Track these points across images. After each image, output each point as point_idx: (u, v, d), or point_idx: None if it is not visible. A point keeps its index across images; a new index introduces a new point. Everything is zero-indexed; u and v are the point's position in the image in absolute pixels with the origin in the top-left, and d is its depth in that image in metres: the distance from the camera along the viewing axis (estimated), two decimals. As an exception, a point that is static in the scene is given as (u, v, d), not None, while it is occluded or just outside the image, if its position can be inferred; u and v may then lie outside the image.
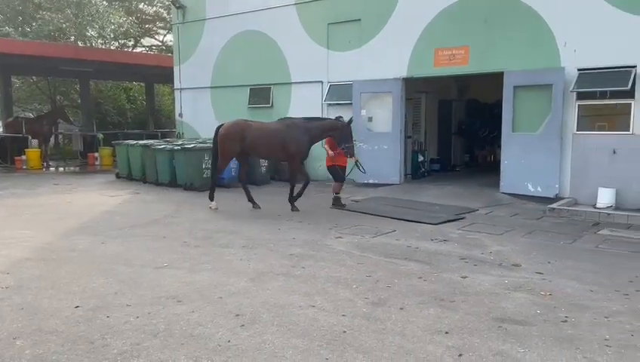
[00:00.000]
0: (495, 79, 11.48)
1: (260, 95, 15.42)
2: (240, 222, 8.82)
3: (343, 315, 4.64)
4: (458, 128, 16.67)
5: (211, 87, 16.61)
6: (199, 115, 17.02)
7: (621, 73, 9.76)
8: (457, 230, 8.35)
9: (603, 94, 10.07)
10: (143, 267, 6.17)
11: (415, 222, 8.90)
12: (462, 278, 5.74)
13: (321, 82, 14.02)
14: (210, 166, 12.44)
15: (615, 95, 9.90)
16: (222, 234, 7.87)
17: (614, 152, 9.93)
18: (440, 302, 4.99)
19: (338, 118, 10.25)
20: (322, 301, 5.01)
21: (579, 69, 10.17)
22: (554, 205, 9.82)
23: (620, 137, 9.94)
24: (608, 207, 9.63)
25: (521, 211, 9.94)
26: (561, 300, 5.03)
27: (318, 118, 11.38)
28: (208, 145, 12.96)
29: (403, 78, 12.59)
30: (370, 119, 13.24)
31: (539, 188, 10.75)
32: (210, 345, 4.06)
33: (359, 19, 13.16)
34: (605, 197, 9.75)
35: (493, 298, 5.09)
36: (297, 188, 9.92)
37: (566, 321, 4.49)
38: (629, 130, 9.83)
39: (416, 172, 14.19)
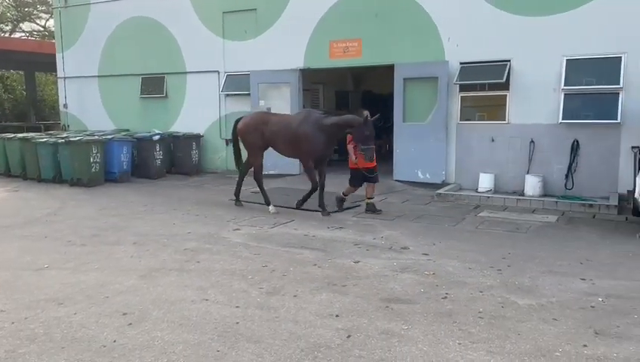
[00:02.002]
0: (388, 71, 11.95)
1: (153, 85, 14.79)
2: (131, 218, 8.44)
3: (237, 306, 4.63)
4: (354, 119, 17.11)
5: (99, 76, 15.65)
6: (86, 105, 15.98)
7: (498, 67, 10.58)
8: (353, 217, 8.63)
9: (482, 86, 10.86)
10: (21, 270, 5.71)
11: (313, 210, 9.05)
12: (354, 263, 5.95)
13: (218, 72, 13.74)
14: (98, 160, 11.79)
15: (493, 87, 10.72)
16: (111, 231, 7.49)
17: (493, 140, 10.78)
18: (332, 287, 5.14)
19: (360, 110, 8.81)
20: (216, 294, 4.95)
21: (461, 63, 10.88)
22: (441, 191, 10.47)
23: (497, 126, 10.79)
24: (488, 191, 10.44)
25: (411, 197, 10.48)
26: (443, 278, 5.39)
27: (335, 111, 9.93)
28: (97, 137, 12.26)
29: (300, 69, 12.71)
30: (269, 110, 13.20)
31: (428, 175, 11.39)
32: (94, 346, 3.86)
33: (255, 9, 13.05)
34: (485, 182, 10.56)
35: (382, 280, 5.34)
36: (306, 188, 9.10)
37: (446, 297, 4.83)
38: (505, 120, 10.69)
39: (315, 162, 14.38)
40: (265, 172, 12.77)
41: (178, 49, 14.24)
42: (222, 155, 14.10)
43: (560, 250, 6.59)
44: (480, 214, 8.91)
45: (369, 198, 9.00)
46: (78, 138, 11.94)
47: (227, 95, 13.74)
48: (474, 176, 10.81)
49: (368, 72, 15.86)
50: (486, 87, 10.81)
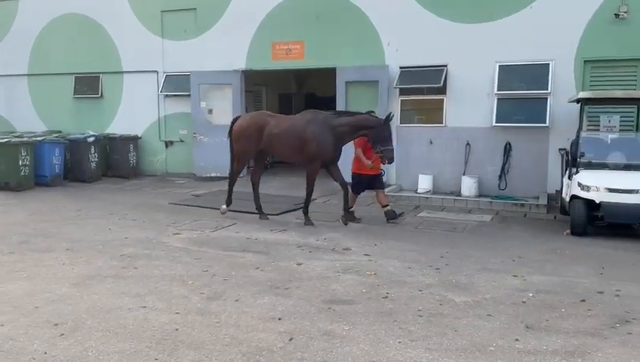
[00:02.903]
0: (331, 74, 12.04)
1: (87, 84, 14.19)
2: (64, 224, 8.05)
3: (177, 313, 4.51)
4: (298, 121, 17.15)
5: (28, 75, 14.83)
6: (14, 105, 15.09)
7: (435, 72, 10.91)
8: (296, 219, 8.62)
9: (421, 90, 11.16)
10: (-61, 281, 5.31)
11: (256, 213, 8.97)
12: (297, 265, 5.94)
13: (157, 72, 13.38)
14: (28, 163, 11.18)
15: (431, 91, 11.03)
16: (41, 238, 7.11)
17: (431, 143, 11.10)
18: (275, 290, 5.11)
19: (370, 113, 8.33)
20: (154, 300, 4.81)
21: (401, 67, 11.15)
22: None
23: (435, 129, 11.12)
24: (427, 191, 10.74)
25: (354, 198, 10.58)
26: (384, 278, 5.49)
27: (348, 112, 9.24)
28: (26, 139, 11.62)
29: (242, 71, 12.59)
30: (210, 111, 13.02)
31: (370, 177, 11.55)
32: (22, 359, 3.65)
33: (195, 8, 12.82)
34: (424, 183, 10.85)
35: (324, 281, 5.36)
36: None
37: (387, 297, 4.91)
38: (442, 123, 11.04)
39: (258, 164, 14.28)
40: (206, 174, 12.68)
41: (114, 47, 13.74)
42: (161, 158, 13.74)
43: (494, 248, 6.87)
44: (419, 214, 9.15)
45: (385, 206, 8.38)
46: (5, 140, 11.25)
47: (167, 96, 13.40)
48: (414, 177, 11.08)
49: (311, 75, 15.90)
50: (424, 91, 11.12)
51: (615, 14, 9.41)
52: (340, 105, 11.72)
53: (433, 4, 10.80)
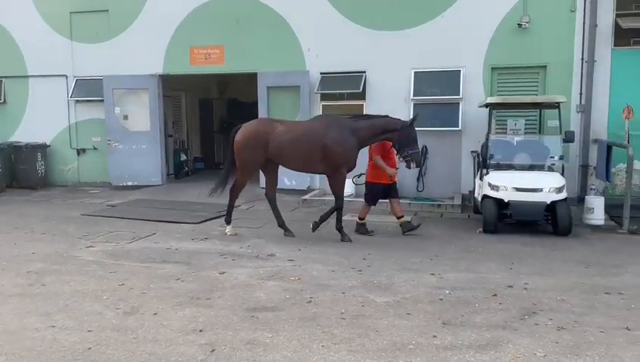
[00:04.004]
0: (252, 79, 11.93)
1: (-12, 89, 13.15)
2: (-38, 240, 7.38)
3: (89, 331, 4.26)
4: (220, 126, 16.88)
5: None
6: None
7: (355, 77, 11.14)
8: (219, 227, 8.44)
9: (342, 96, 11.35)
10: None
11: (176, 222, 8.71)
12: (220, 274, 5.82)
13: (66, 76, 12.64)
14: None
15: (351, 96, 11.25)
16: None
17: (353, 147, 11.28)
18: (196, 300, 4.97)
19: (384, 116, 7.88)
20: (65, 319, 4.51)
21: (321, 73, 11.28)
22: (306, 196, 10.72)
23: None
24: (349, 195, 10.86)
25: (278, 204, 10.49)
26: (308, 283, 5.50)
27: (365, 115, 8.64)
28: None
29: (159, 75, 12.20)
30: (125, 117, 12.48)
31: (294, 182, 11.57)
32: None
33: (107, 10, 12.26)
34: (347, 187, 10.90)
35: (248, 289, 5.28)
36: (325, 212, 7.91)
37: (311, 302, 4.92)
38: (363, 128, 11.26)
39: (179, 171, 13.93)
40: (122, 183, 12.15)
41: (18, 50, 12.82)
42: (73, 166, 12.98)
43: (413, 248, 7.10)
44: (343, 218, 9.24)
45: (400, 217, 7.90)
46: None
47: (78, 101, 12.69)
48: (337, 181, 11.20)
49: (233, 80, 15.72)
50: (345, 96, 11.32)
51: (518, 24, 10.07)
52: (262, 111, 11.67)
53: (352, 12, 11.03)
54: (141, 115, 12.33)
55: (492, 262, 6.35)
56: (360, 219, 8.04)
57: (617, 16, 9.77)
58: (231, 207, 7.91)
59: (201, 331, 4.25)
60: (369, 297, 5.04)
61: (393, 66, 10.85)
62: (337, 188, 7.53)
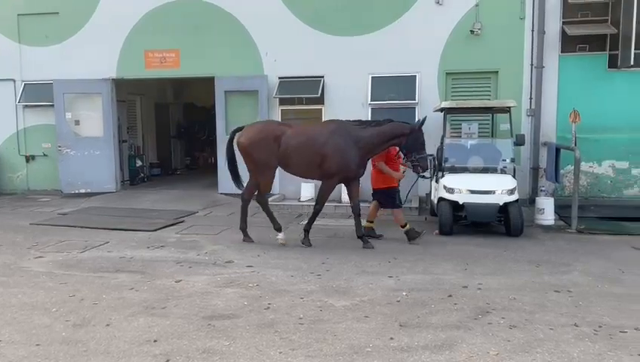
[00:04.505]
0: (210, 83, 11.79)
1: None
2: None
3: (37, 344, 4.10)
4: (177, 131, 16.63)
5: None
6: None
7: (313, 82, 11.17)
8: (176, 234, 8.30)
9: (300, 100, 11.36)
10: None
11: (131, 230, 8.49)
12: (176, 282, 5.71)
13: (13, 80, 12.17)
14: None
15: (310, 101, 11.27)
16: None
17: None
18: (151, 310, 4.85)
19: (388, 120, 7.77)
20: (12, 332, 4.33)
21: (279, 77, 11.26)
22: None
23: (315, 138, 11.34)
24: (309, 199, 10.89)
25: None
26: (267, 289, 5.46)
27: (370, 121, 8.37)
28: None
29: (112, 79, 11.90)
30: (77, 122, 12.10)
31: (254, 187, 11.48)
32: None
33: (57, 13, 11.87)
34: (307, 192, 11.01)
35: (205, 297, 5.20)
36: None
37: (269, 308, 4.89)
38: (321, 132, 11.30)
39: (134, 178, 13.59)
40: (74, 191, 11.77)
41: (-40, 52, 12.27)
42: (22, 174, 12.49)
43: (372, 251, 7.16)
44: (302, 222, 9.22)
45: (404, 226, 7.66)
46: None
47: (26, 106, 12.22)
48: (296, 186, 11.18)
49: (190, 84, 15.51)
50: (304, 100, 11.33)
51: (470, 30, 10.34)
52: (220, 115, 11.56)
53: (310, 18, 11.06)
54: (93, 120, 11.99)
55: (448, 264, 6.47)
56: (402, 226, 7.72)
57: (564, 23, 10.17)
58: (270, 213, 7.65)
59: (155, 341, 4.15)
60: (327, 301, 5.05)
61: (351, 71, 10.94)
62: (323, 195, 7.43)
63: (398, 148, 7.42)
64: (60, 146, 11.81)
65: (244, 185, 7.78)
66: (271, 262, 6.57)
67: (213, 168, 12.82)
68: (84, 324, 4.52)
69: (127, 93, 13.41)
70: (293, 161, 7.32)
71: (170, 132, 16.28)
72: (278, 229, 7.59)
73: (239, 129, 7.64)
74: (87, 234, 8.18)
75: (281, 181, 11.45)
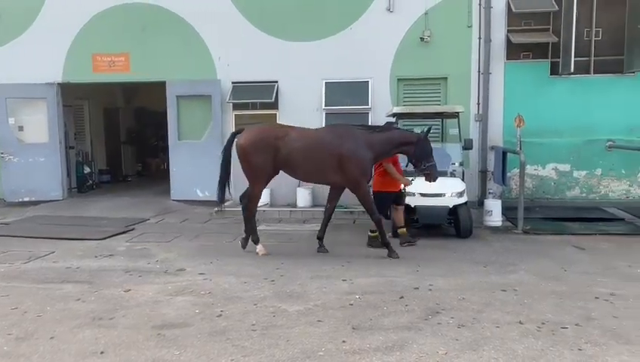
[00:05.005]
0: (161, 88, 11.57)
1: None
2: None
3: (-25, 362, 3.90)
4: (128, 137, 16.22)
5: None
6: None
7: (267, 87, 11.15)
8: (125, 242, 8.09)
9: (255, 105, 11.30)
10: None
11: (79, 239, 8.22)
12: (124, 292, 5.56)
13: (-48, 84, 11.57)
14: None
15: (264, 106, 11.23)
16: None
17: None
18: (98, 321, 4.70)
19: (389, 124, 7.95)
20: (-54, 350, 4.10)
21: (233, 82, 11.18)
22: (219, 207, 10.50)
23: (269, 143, 11.30)
24: (265, 204, 10.83)
25: (190, 216, 10.30)
26: (219, 296, 5.39)
27: (374, 126, 8.15)
28: None
29: (58, 83, 11.51)
30: (21, 128, 11.62)
31: (207, 193, 11.31)
32: None
33: (-2, 14, 11.40)
34: (262, 197, 10.86)
35: (155, 306, 5.09)
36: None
37: (221, 315, 4.83)
38: (276, 137, 11.28)
39: (82, 185, 13.15)
40: (18, 199, 11.29)
41: None
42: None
43: (326, 255, 7.20)
44: (258, 227, 9.18)
45: (401, 227, 7.73)
46: None
47: (-35, 111, 11.63)
48: (252, 191, 11.11)
49: (141, 88, 15.14)
50: (258, 105, 11.29)
51: (420, 38, 10.59)
52: (172, 120, 11.36)
53: (263, 23, 11.04)
54: (39, 126, 11.55)
55: (400, 266, 6.58)
56: (398, 229, 7.79)
57: (509, 31, 10.57)
58: (253, 224, 7.43)
59: (102, 353, 4.03)
60: (281, 307, 5.04)
61: (305, 77, 10.98)
62: (367, 204, 7.13)
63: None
64: (2, 153, 11.31)
65: (226, 195, 7.62)
66: (224, 268, 6.49)
67: (165, 174, 12.58)
68: (28, 337, 4.34)
69: (74, 97, 12.98)
70: (300, 165, 7.05)
71: (121, 137, 15.86)
72: (256, 241, 7.34)
73: (239, 131, 7.41)
74: (31, 244, 7.86)
75: (236, 187, 11.35)
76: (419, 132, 7.38)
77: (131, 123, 16.48)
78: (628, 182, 10.61)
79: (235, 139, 7.30)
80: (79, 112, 13.80)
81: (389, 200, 7.62)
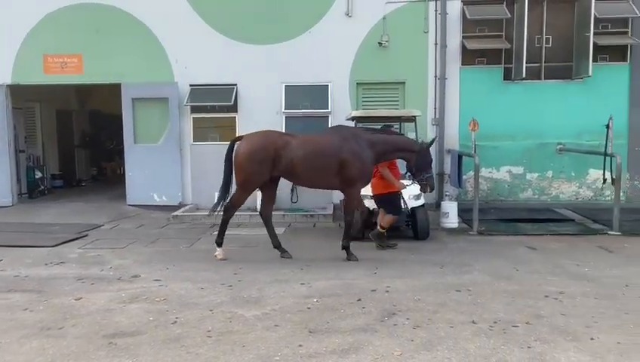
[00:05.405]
0: (117, 90, 11.30)
1: None
2: None
3: None
4: (82, 140, 15.75)
5: None
6: None
7: (226, 90, 11.06)
8: (78, 249, 7.85)
9: (213, 108, 11.19)
10: None
11: (29, 246, 7.91)
12: (75, 300, 5.39)
13: None
14: None
15: (223, 109, 11.14)
16: None
17: (225, 160, 11.15)
18: (47, 331, 4.54)
19: (388, 127, 8.00)
20: None
21: (191, 85, 11.03)
22: (177, 212, 10.35)
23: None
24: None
25: (147, 222, 10.08)
26: (174, 303, 5.29)
27: (375, 129, 7.83)
28: None
29: (7, 85, 11.09)
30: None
31: (164, 198, 11.15)
32: None
33: (-58, 13, 10.90)
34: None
35: (107, 315, 4.95)
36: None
37: (176, 322, 4.74)
38: (235, 141, 11.20)
39: (33, 190, 12.67)
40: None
41: None
42: None
43: (285, 259, 7.16)
44: (215, 233, 9.05)
45: (383, 229, 7.65)
46: None
47: None
48: (211, 195, 10.83)
49: (95, 90, 14.74)
50: (216, 109, 11.18)
51: (379, 42, 10.74)
52: (128, 124, 11.14)
53: (222, 26, 10.97)
54: (-14, 129, 11.10)
55: (359, 268, 6.62)
56: (381, 228, 7.67)
57: (464, 37, 10.85)
58: (224, 228, 7.27)
59: (49, 365, 3.89)
60: (237, 312, 4.98)
61: (264, 80, 10.95)
62: (351, 204, 7.14)
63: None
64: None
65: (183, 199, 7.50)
66: (180, 274, 6.38)
67: (122, 179, 12.29)
68: (-32, 351, 4.14)
69: (24, 99, 12.52)
70: (302, 171, 6.96)
71: (75, 141, 15.38)
72: (219, 244, 7.22)
73: (238, 139, 7.30)
74: (-24, 253, 7.52)
75: (195, 191, 11.24)
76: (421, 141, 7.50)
77: (86, 126, 16.02)
78: (577, 184, 11.03)
79: (235, 147, 7.19)
80: (30, 115, 13.31)
81: (394, 198, 7.58)
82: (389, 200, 7.56)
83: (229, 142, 10.78)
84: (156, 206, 11.04)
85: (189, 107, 11.09)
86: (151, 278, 6.21)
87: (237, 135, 11.04)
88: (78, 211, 10.87)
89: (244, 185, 7.09)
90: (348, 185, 7.00)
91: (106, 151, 16.71)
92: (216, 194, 10.66)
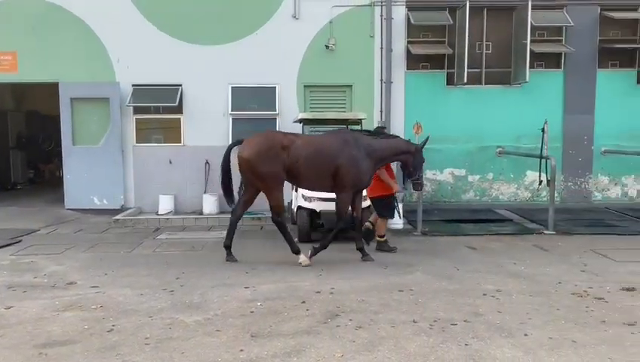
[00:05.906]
0: (55, 89, 10.81)
1: None
2: None
3: None
4: (18, 141, 14.97)
5: None
6: None
7: (170, 91, 10.82)
8: (10, 256, 7.47)
9: (157, 109, 10.93)
10: None
11: (-45, 254, 7.45)
12: (5, 309, 5.12)
13: None
14: None
15: (167, 110, 10.89)
16: None
17: (170, 162, 10.92)
18: (-31, 344, 4.27)
19: (381, 128, 8.09)
20: None
21: (133, 85, 10.72)
22: (118, 216, 10.02)
23: (174, 148, 10.99)
24: (169, 212, 10.50)
25: (86, 226, 9.71)
26: (112, 310, 5.11)
27: (376, 132, 7.63)
28: None
29: None
30: None
31: (105, 201, 10.78)
32: None
33: None
34: (165, 204, 10.58)
35: (39, 324, 4.72)
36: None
37: (112, 330, 4.57)
38: (181, 142, 10.99)
39: (-37, 194, 11.95)
40: None
41: None
42: None
43: (230, 262, 7.05)
44: (159, 237, 8.86)
45: (382, 236, 7.68)
46: None
47: None
48: (154, 198, 10.71)
49: (33, 90, 14.09)
50: (160, 110, 10.92)
51: (326, 45, 10.79)
52: (66, 124, 10.71)
53: (166, 25, 10.74)
54: None
55: (304, 271, 6.61)
56: (380, 236, 7.68)
57: (409, 42, 11.07)
58: (288, 233, 7.16)
59: (-29, 379, 3.66)
60: (178, 318, 4.87)
61: (210, 81, 10.79)
62: (343, 206, 7.05)
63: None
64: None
65: (236, 201, 7.37)
66: (119, 280, 6.17)
67: (60, 181, 11.76)
68: None
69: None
70: (304, 173, 6.93)
71: (10, 143, 14.60)
72: (297, 252, 7.04)
73: (238, 142, 7.14)
74: None
75: (138, 194, 10.92)
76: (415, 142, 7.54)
77: (22, 127, 15.24)
78: (516, 186, 11.47)
79: (235, 152, 7.08)
80: (-41, 115, 12.56)
81: (389, 201, 7.63)
82: (385, 203, 7.61)
83: (173, 144, 10.57)
84: (97, 210, 10.65)
85: (131, 108, 10.78)
86: (88, 285, 5.97)
87: (182, 136, 10.95)
88: (11, 216, 10.34)
89: (269, 185, 6.92)
90: (340, 189, 7.03)
91: (45, 152, 15.96)
92: (161, 198, 10.57)
